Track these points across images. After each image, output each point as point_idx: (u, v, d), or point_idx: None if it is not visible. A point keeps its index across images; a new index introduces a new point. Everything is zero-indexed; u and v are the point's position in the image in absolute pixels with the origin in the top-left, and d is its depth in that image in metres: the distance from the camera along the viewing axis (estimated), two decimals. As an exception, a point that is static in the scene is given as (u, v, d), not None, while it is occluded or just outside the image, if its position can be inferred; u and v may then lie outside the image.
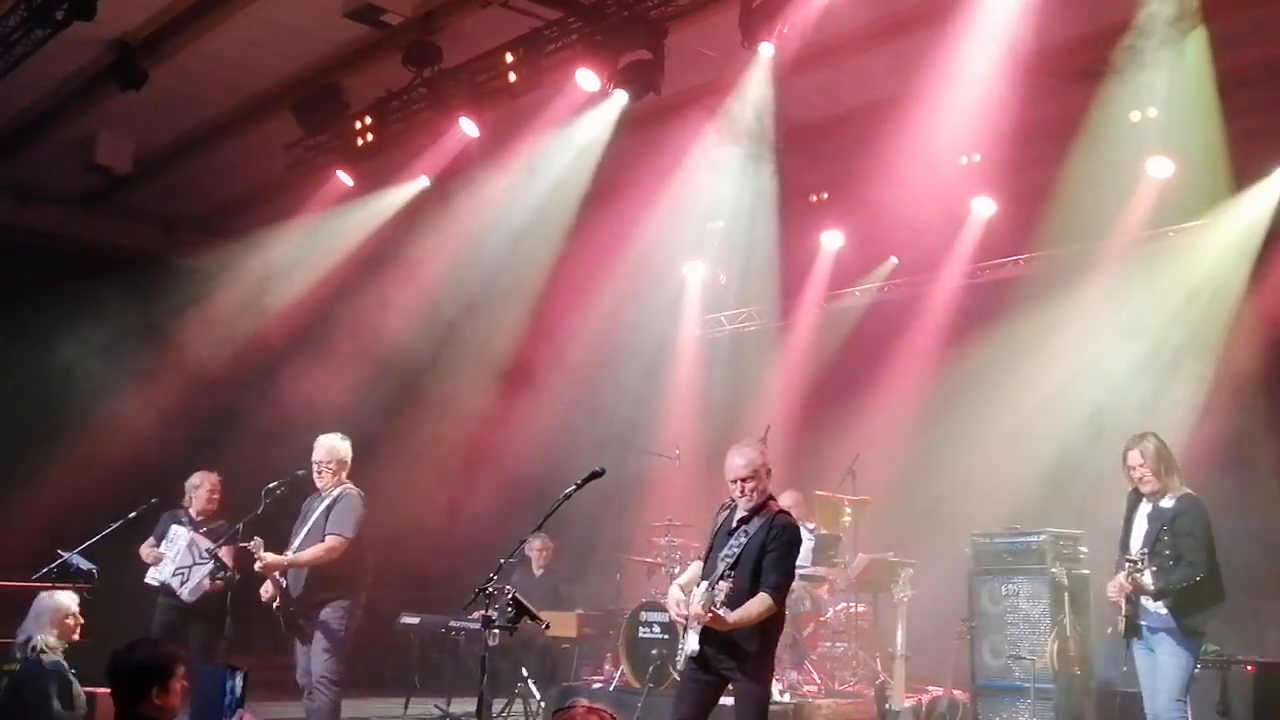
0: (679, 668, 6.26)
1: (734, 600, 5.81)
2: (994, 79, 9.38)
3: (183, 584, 8.41)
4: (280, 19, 9.83)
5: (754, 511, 6.09)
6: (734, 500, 6.18)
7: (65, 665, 6.82)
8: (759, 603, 5.86)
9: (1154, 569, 6.60)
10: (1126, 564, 6.68)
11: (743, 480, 6.09)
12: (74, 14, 8.71)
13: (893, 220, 11.65)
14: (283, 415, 11.32)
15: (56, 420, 11.48)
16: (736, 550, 6.00)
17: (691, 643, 5.99)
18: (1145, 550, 6.64)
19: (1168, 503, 6.80)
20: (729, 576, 5.83)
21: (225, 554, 8.11)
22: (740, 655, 5.90)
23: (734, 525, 6.14)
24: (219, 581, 8.22)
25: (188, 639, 8.20)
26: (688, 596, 6.12)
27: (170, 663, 4.53)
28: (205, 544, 8.42)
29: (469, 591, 6.12)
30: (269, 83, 10.96)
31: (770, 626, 6.02)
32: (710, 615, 5.75)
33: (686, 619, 6.03)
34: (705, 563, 6.23)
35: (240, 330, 12.58)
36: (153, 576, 8.60)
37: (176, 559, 8.49)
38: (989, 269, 12.36)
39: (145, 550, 8.69)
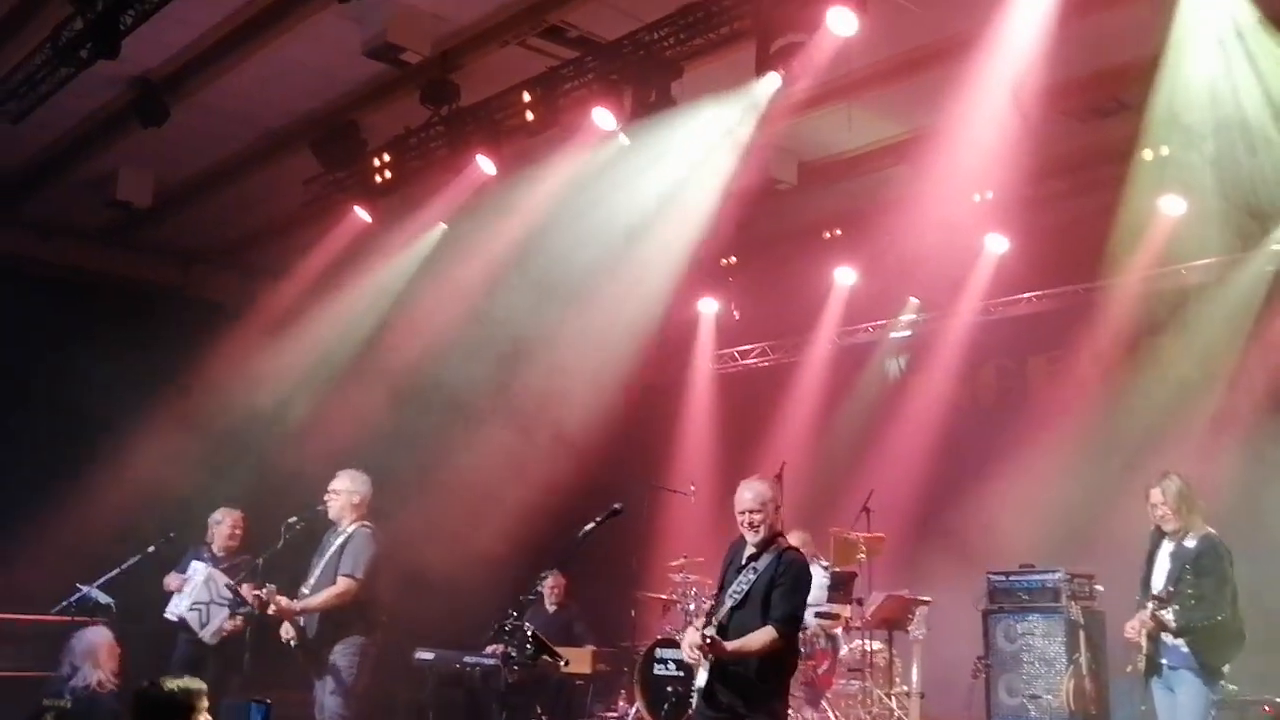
0: (693, 705, 6.27)
1: (741, 635, 5.84)
2: (1007, 116, 9.45)
3: (203, 625, 8.42)
4: (300, 57, 9.95)
5: (763, 547, 6.11)
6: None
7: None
8: (763, 634, 5.86)
9: (1176, 608, 6.60)
10: (1150, 602, 6.67)
11: (751, 513, 6.11)
12: (99, 53, 8.80)
13: (906, 256, 11.69)
14: (303, 450, 11.35)
15: (76, 454, 11.51)
16: (745, 586, 6.02)
17: (700, 678, 5.98)
18: (1168, 589, 6.64)
19: (1190, 542, 6.79)
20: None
21: (245, 590, 8.13)
22: (748, 691, 5.89)
23: (744, 561, 6.16)
24: (238, 617, 8.25)
25: (206, 674, 8.21)
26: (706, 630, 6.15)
27: (194, 698, 4.53)
28: (224, 580, 8.45)
29: (484, 629, 6.13)
30: (288, 120, 11.07)
31: (779, 662, 6.02)
32: (709, 643, 5.75)
33: (698, 658, 6.04)
34: (716, 599, 6.25)
35: (260, 364, 12.68)
36: (171, 611, 8.62)
37: (193, 594, 8.52)
38: (1002, 305, 12.39)
39: (168, 579, 8.74)
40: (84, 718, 6.63)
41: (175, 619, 8.58)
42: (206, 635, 8.41)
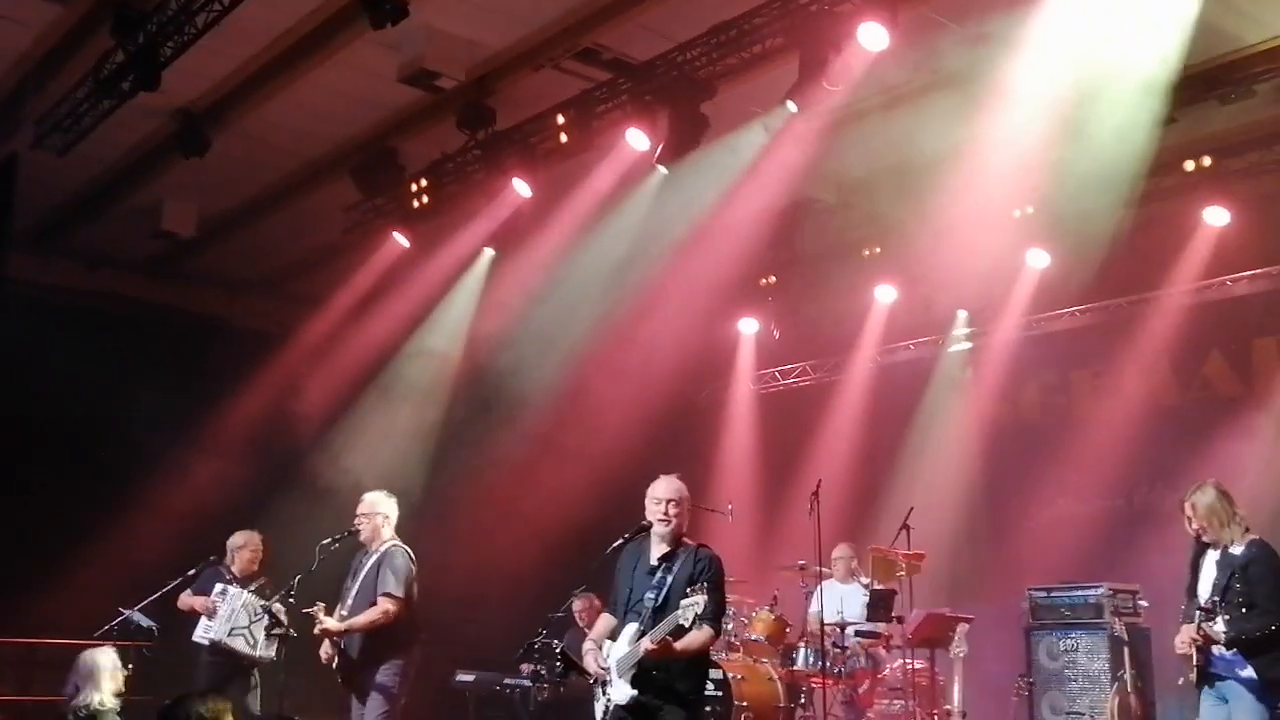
0: None
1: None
2: (1045, 131, 9.40)
3: (251, 645, 8.40)
4: (337, 86, 10.09)
5: (674, 545, 6.09)
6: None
7: None
8: (702, 635, 5.83)
9: (1226, 617, 6.45)
10: (1198, 613, 6.53)
11: (670, 502, 6.09)
12: (140, 85, 8.99)
13: (947, 274, 11.63)
14: (342, 474, 11.44)
15: (122, 481, 11.67)
16: (662, 588, 5.97)
17: (623, 692, 5.89)
18: (1214, 599, 6.49)
19: (1237, 549, 6.61)
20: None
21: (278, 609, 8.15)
22: (676, 696, 5.86)
23: (654, 564, 6.10)
24: (275, 636, 8.26)
25: (233, 695, 8.23)
26: (603, 649, 6.09)
27: (219, 714, 4.57)
28: (259, 601, 8.48)
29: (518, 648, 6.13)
30: (327, 148, 11.22)
31: (706, 662, 6.13)
32: (662, 644, 5.71)
33: (606, 671, 5.99)
34: (626, 608, 6.14)
35: (303, 390, 12.82)
36: (202, 635, 8.64)
37: (231, 619, 8.54)
38: (1044, 320, 12.28)
39: (192, 600, 8.74)
40: None
41: (207, 643, 8.60)
42: (262, 655, 8.39)
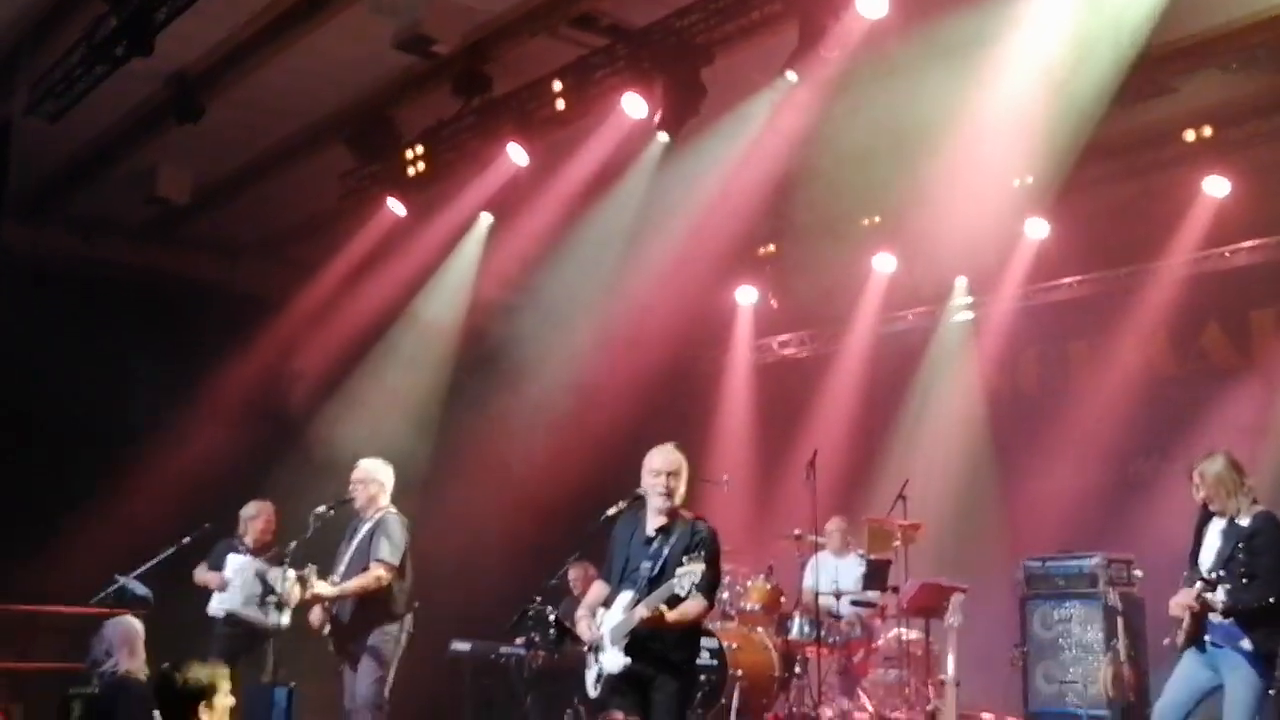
0: (593, 695, 6.21)
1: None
2: (1046, 100, 9.35)
3: (264, 615, 8.38)
4: (332, 52, 9.99)
5: (672, 518, 6.10)
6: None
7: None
8: (696, 604, 5.88)
9: (1227, 587, 6.46)
10: (1201, 581, 6.53)
11: (669, 475, 6.10)
12: (133, 50, 8.90)
13: (945, 243, 11.59)
14: (338, 441, 11.44)
15: (118, 448, 11.67)
16: (659, 558, 5.99)
17: (616, 660, 5.92)
18: (1219, 571, 6.49)
19: (1244, 520, 6.61)
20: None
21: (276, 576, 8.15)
22: (669, 665, 5.93)
23: (651, 534, 6.12)
24: (269, 604, 8.26)
25: (250, 664, 8.26)
26: (596, 617, 6.12)
27: (216, 680, 4.56)
28: (277, 572, 8.46)
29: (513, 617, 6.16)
30: (323, 114, 11.13)
31: (699, 632, 6.21)
32: (657, 614, 5.73)
33: (600, 639, 6.03)
34: (621, 576, 6.17)
35: (299, 356, 12.80)
36: (217, 607, 8.67)
37: (244, 589, 8.56)
38: (1043, 291, 12.25)
39: (206, 576, 8.78)
40: (112, 704, 6.58)
41: (222, 614, 8.63)
42: (275, 624, 8.35)
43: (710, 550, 5.98)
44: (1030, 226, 11.67)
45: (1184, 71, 9.33)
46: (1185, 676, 6.69)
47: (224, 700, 4.60)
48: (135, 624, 7.16)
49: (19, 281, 11.34)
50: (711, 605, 6.12)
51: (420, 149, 10.84)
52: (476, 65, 10.05)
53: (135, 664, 6.82)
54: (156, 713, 4.54)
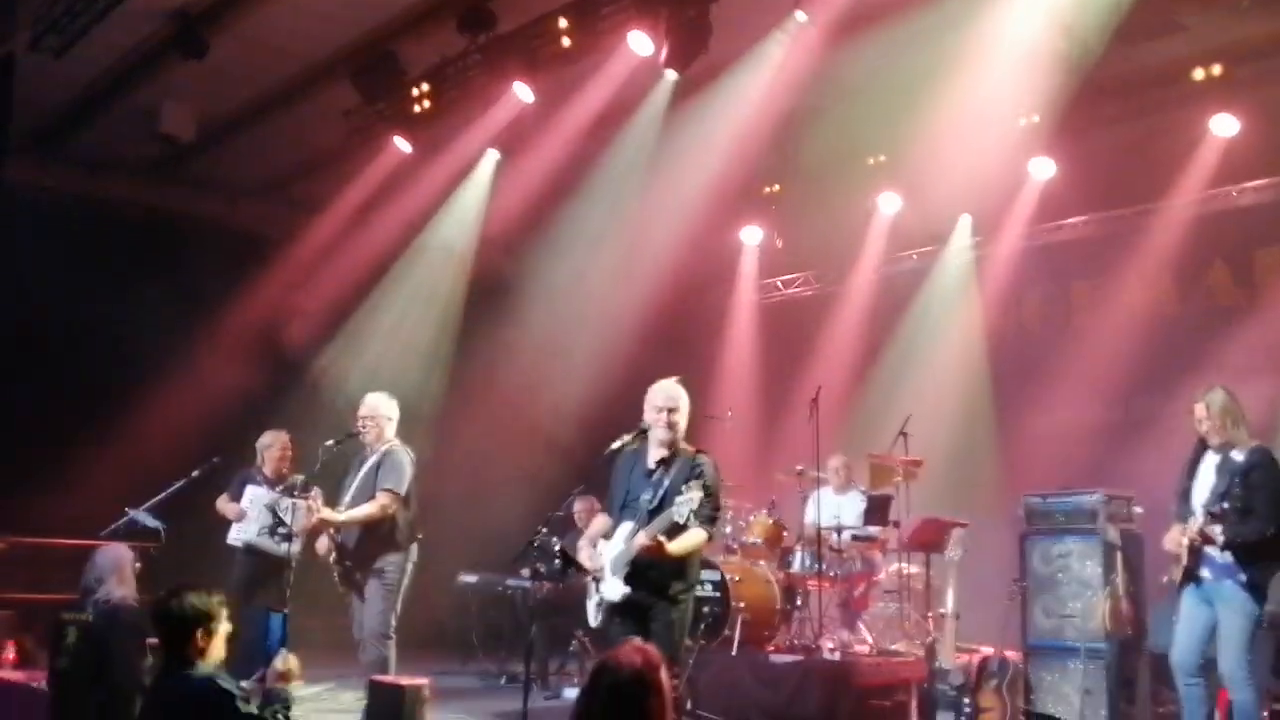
0: (594, 623, 6.32)
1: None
2: (1053, 37, 9.30)
3: (284, 542, 8.44)
4: (337, -14, 9.96)
5: (673, 451, 6.16)
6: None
7: None
8: (696, 535, 5.96)
9: (1224, 521, 6.53)
10: (1201, 514, 6.58)
11: (670, 411, 6.16)
12: (135, -16, 8.89)
13: (951, 183, 11.57)
14: (343, 376, 11.52)
15: (124, 383, 11.75)
16: (659, 488, 6.07)
17: (615, 589, 6.02)
18: (1220, 504, 6.54)
19: (1239, 455, 6.67)
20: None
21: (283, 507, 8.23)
22: (667, 594, 6.01)
23: (652, 467, 6.20)
24: (280, 535, 8.35)
25: (268, 593, 8.36)
26: (598, 547, 6.20)
27: (214, 606, 4.61)
28: (286, 502, 8.54)
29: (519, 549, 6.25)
30: (327, 51, 11.06)
31: (697, 563, 6.25)
32: (655, 544, 5.81)
33: (601, 569, 6.11)
34: (623, 508, 6.25)
35: (305, 292, 12.85)
36: (235, 537, 8.77)
37: (259, 519, 8.64)
38: (1047, 230, 12.24)
39: (225, 506, 8.88)
40: (105, 631, 6.64)
41: (241, 545, 8.74)
42: (292, 554, 8.43)
43: (709, 480, 6.05)
44: (1036, 166, 11.63)
45: (1194, 8, 9.26)
46: (1189, 618, 6.78)
47: (222, 626, 4.65)
48: (123, 552, 7.20)
49: (24, 216, 11.38)
50: (712, 536, 6.19)
51: (425, 86, 10.81)
52: (481, 2, 10.00)
53: (125, 590, 6.87)
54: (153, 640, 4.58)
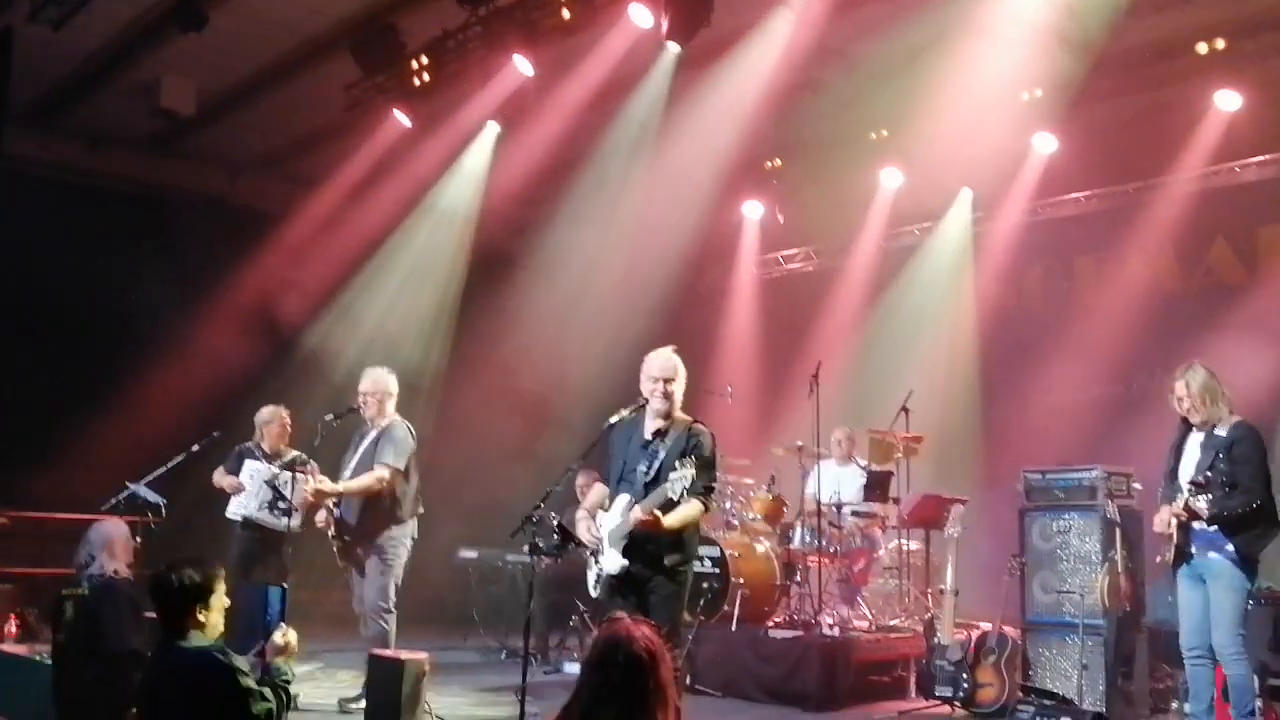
0: (594, 596, 6.31)
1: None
2: (1053, 13, 9.26)
3: (283, 516, 8.45)
4: (336, -41, 9.91)
5: (669, 422, 6.14)
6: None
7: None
8: (693, 507, 5.93)
9: (1210, 495, 6.53)
10: (1187, 488, 6.59)
11: (666, 381, 6.12)
12: (133, -44, 8.83)
13: (953, 158, 11.53)
14: (342, 350, 11.52)
15: (124, 358, 11.75)
16: (654, 460, 6.04)
17: (614, 561, 6.00)
18: (1205, 476, 6.55)
19: (1222, 430, 6.69)
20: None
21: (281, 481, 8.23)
22: (665, 567, 5.98)
23: (648, 438, 6.17)
24: (280, 510, 8.36)
25: (267, 568, 8.37)
26: (595, 519, 6.18)
27: (212, 580, 4.59)
28: (285, 476, 8.55)
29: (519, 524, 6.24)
30: (327, 24, 11.01)
31: (695, 536, 6.21)
32: (651, 518, 5.79)
33: (599, 541, 6.09)
34: (620, 480, 6.22)
35: (304, 265, 12.84)
36: (235, 511, 8.78)
37: (259, 494, 8.65)
38: (1050, 205, 12.21)
39: (223, 480, 8.88)
40: (100, 604, 6.62)
41: (239, 519, 8.74)
42: (292, 527, 8.43)
43: (705, 452, 6.03)
44: (1038, 141, 11.60)
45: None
46: (1188, 602, 6.78)
47: (220, 600, 4.64)
48: (114, 527, 7.19)
49: (23, 190, 11.35)
50: (708, 508, 6.16)
51: (425, 59, 10.76)
52: (482, -28, 9.96)
53: (117, 564, 6.87)
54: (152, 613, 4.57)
